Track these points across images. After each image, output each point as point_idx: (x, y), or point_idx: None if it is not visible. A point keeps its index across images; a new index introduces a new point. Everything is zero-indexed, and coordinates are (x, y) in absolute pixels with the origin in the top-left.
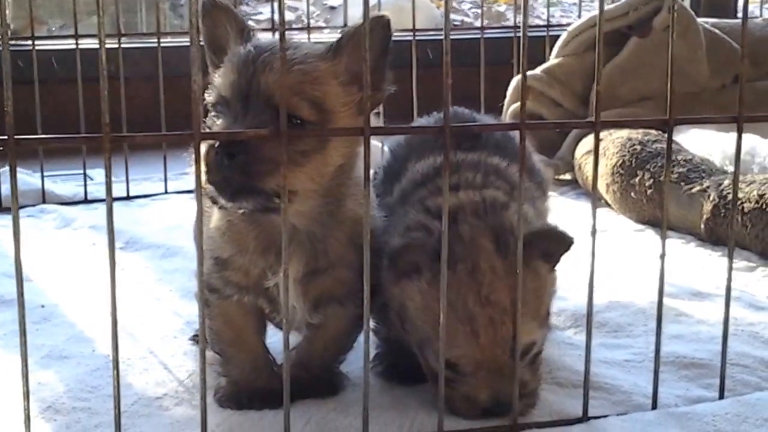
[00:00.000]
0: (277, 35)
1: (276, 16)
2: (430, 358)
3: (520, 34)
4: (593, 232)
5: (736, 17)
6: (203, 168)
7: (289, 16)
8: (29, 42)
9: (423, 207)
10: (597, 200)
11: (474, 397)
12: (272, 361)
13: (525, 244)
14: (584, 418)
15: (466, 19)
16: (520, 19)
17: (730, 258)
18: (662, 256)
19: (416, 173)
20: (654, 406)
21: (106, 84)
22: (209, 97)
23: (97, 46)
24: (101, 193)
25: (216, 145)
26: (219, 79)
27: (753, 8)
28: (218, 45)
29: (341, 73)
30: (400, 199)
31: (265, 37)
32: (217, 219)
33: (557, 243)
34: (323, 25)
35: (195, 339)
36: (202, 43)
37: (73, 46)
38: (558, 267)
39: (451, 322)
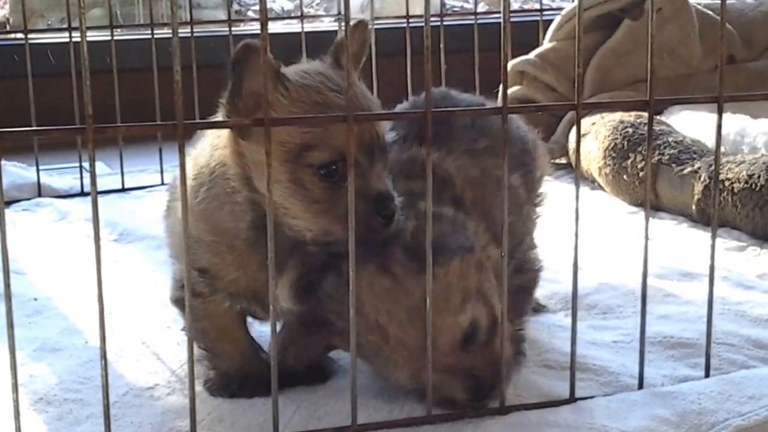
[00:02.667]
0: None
1: (273, 5)
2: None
3: (513, 18)
4: (576, 214)
5: None
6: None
7: (288, 5)
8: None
9: None
10: (591, 183)
11: (445, 398)
12: (259, 349)
13: (418, 253)
14: (571, 399)
15: (467, 5)
16: (516, 5)
17: (713, 237)
18: (646, 238)
19: None
20: (640, 386)
21: (88, 74)
22: (319, 156)
23: (91, 38)
24: (98, 185)
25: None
26: (324, 136)
27: None
28: (250, 90)
29: None
30: None
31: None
32: (204, 232)
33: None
34: (322, 13)
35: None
36: (186, 34)
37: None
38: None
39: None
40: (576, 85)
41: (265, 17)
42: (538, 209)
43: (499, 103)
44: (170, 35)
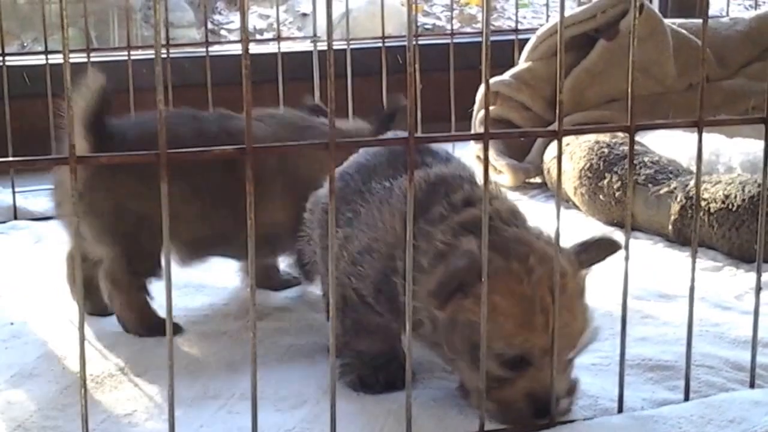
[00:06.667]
0: None
1: (249, 24)
2: (488, 358)
3: (491, 39)
4: (557, 237)
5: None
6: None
7: (260, 23)
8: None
9: (448, 227)
10: (566, 203)
11: (535, 391)
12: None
13: (583, 251)
14: (551, 423)
15: (438, 23)
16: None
17: (693, 260)
18: (626, 259)
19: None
20: (620, 410)
21: (71, 104)
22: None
23: (70, 60)
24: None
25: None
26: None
27: (721, 8)
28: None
29: None
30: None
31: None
32: None
33: (603, 251)
34: (295, 33)
35: None
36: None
37: (44, 61)
38: None
39: (521, 319)
40: (558, 112)
41: (245, 36)
42: None
43: (480, 129)
44: (146, 56)
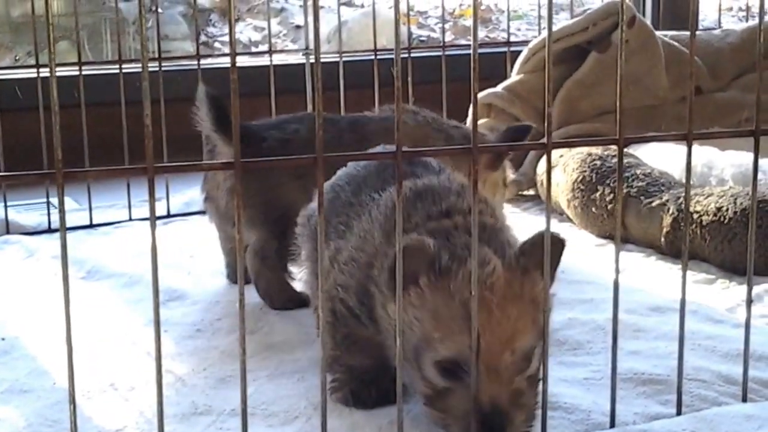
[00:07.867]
0: None
1: (240, 36)
2: (426, 364)
3: (481, 50)
4: (546, 250)
5: (697, 29)
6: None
7: (255, 36)
8: None
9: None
10: (560, 215)
11: (476, 401)
12: None
13: (522, 254)
14: None
15: (433, 35)
16: (482, 34)
17: (684, 273)
18: (617, 272)
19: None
20: (612, 425)
21: (57, 119)
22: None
23: (59, 74)
24: (66, 222)
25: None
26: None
27: (715, 20)
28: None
29: None
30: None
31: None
32: None
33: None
34: (289, 45)
35: None
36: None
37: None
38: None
39: (454, 320)
40: (546, 125)
41: (233, 50)
42: None
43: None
44: (138, 70)
